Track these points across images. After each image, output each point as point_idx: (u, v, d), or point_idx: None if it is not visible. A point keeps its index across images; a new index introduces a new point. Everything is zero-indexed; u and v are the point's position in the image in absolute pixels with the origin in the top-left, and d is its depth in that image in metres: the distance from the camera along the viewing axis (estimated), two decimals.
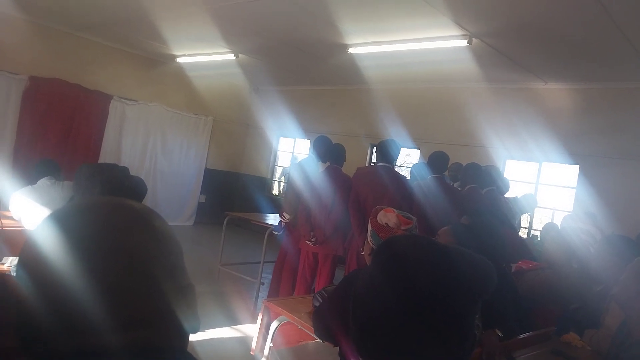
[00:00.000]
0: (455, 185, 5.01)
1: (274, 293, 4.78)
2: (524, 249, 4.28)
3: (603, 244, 2.97)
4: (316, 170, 4.86)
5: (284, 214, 4.88)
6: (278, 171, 10.44)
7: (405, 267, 0.87)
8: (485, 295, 0.88)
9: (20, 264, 0.64)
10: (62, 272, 0.60)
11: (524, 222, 6.73)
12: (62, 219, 0.65)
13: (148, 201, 7.68)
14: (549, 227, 5.02)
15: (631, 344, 1.79)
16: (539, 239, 5.76)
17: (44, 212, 3.43)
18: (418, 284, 0.84)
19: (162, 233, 0.68)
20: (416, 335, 0.83)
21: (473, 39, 5.12)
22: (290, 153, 10.05)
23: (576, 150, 6.14)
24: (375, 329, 0.87)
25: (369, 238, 2.20)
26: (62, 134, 7.83)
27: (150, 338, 0.62)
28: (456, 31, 5.03)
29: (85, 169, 1.75)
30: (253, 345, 2.44)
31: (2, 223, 3.21)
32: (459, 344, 0.86)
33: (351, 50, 6.15)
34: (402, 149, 4.94)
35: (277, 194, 10.12)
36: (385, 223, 2.14)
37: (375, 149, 4.93)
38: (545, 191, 6.94)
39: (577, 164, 6.26)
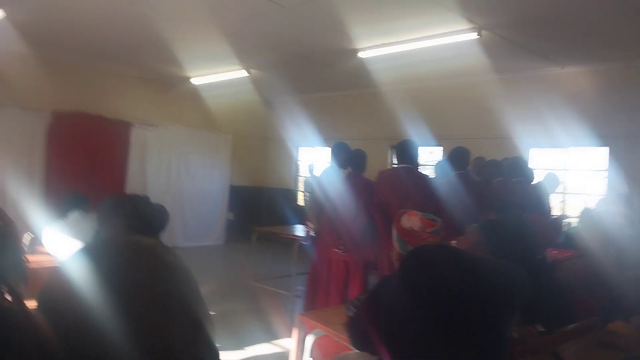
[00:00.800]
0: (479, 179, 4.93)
1: (309, 305, 4.75)
2: (555, 230, 4.18)
3: None
4: (337, 178, 4.85)
5: (308, 223, 4.87)
6: (300, 181, 10.47)
7: (432, 274, 0.87)
8: (517, 305, 0.87)
9: (44, 299, 0.65)
10: (89, 308, 0.60)
11: (558, 210, 6.58)
12: (91, 254, 0.67)
13: (177, 224, 7.81)
14: (584, 213, 4.90)
15: None
16: (572, 225, 5.63)
17: (78, 245, 3.51)
18: (445, 291, 0.84)
19: (175, 268, 0.69)
20: (442, 343, 0.82)
21: (482, 31, 5.06)
22: (309, 163, 10.06)
23: (603, 132, 5.98)
24: (403, 337, 0.86)
25: (394, 243, 2.19)
26: (88, 166, 8.03)
27: None
28: (465, 25, 4.99)
29: (107, 202, 1.79)
30: None
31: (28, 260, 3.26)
32: (488, 354, 0.85)
33: (361, 54, 6.15)
34: (422, 147, 4.89)
35: (302, 204, 10.13)
36: (410, 227, 2.12)
37: (394, 150, 4.89)
38: (575, 176, 6.77)
39: (606, 146, 6.10)
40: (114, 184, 8.27)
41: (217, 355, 0.72)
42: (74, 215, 3.73)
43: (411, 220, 2.15)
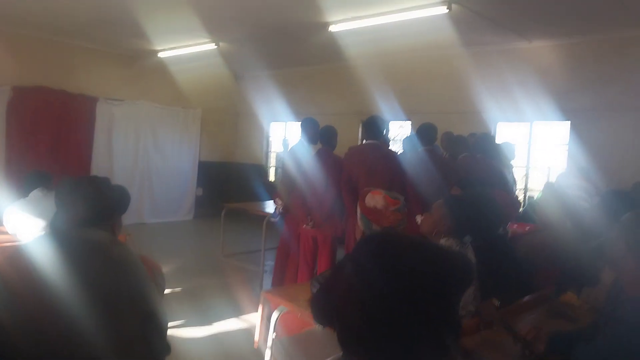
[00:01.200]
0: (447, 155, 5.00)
1: (278, 281, 4.80)
2: (514, 206, 4.30)
3: (598, 201, 2.98)
4: (307, 153, 4.84)
5: (277, 199, 4.87)
6: (272, 157, 10.42)
7: (396, 249, 0.90)
8: (464, 289, 0.91)
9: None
10: (42, 297, 0.60)
11: (521, 184, 6.74)
12: (56, 243, 0.67)
13: (145, 200, 7.72)
14: (546, 186, 5.04)
15: (624, 300, 1.81)
16: (535, 198, 5.78)
17: (39, 223, 3.44)
18: (407, 264, 0.87)
19: (124, 263, 0.69)
20: (404, 315, 0.85)
21: (452, 5, 5.05)
22: (283, 137, 10.02)
23: (566, 106, 6.11)
24: (363, 310, 0.88)
25: (359, 222, 2.21)
26: (51, 142, 7.80)
27: None
28: None
29: (65, 184, 1.75)
30: (256, 338, 2.47)
31: None
32: (444, 326, 0.88)
33: (332, 28, 6.09)
34: (392, 122, 4.90)
35: (273, 179, 10.11)
36: (374, 205, 2.14)
37: (362, 125, 4.91)
38: (539, 151, 6.94)
39: (568, 120, 6.24)
40: (79, 160, 8.09)
41: (169, 348, 0.73)
42: (36, 194, 3.64)
43: (375, 198, 2.18)
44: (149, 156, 9.15)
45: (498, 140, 5.64)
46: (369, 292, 0.88)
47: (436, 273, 0.87)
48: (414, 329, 0.85)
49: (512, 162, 5.54)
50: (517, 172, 6.05)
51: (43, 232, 3.37)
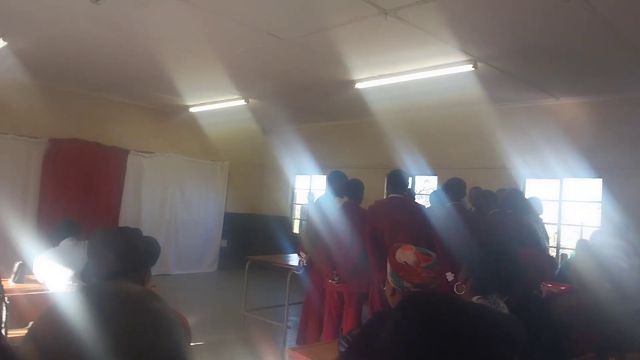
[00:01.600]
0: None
1: (302, 337, 4.68)
2: (551, 264, 4.15)
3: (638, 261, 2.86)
4: (333, 206, 4.84)
5: (301, 252, 4.84)
6: (297, 209, 10.44)
7: (429, 324, 0.85)
8: (515, 355, 0.85)
9: (34, 334, 0.64)
10: (77, 352, 0.59)
11: (553, 242, 6.56)
12: (80, 301, 0.66)
13: (171, 251, 7.76)
14: (579, 244, 4.88)
15: None
16: (569, 257, 5.59)
17: (67, 273, 3.47)
18: (442, 344, 0.81)
19: (162, 318, 0.68)
20: None
21: (478, 63, 5.13)
22: (308, 190, 10.07)
23: (597, 163, 6.01)
24: None
25: (389, 278, 2.16)
26: (82, 192, 8.00)
27: None
28: (461, 57, 5.06)
29: (98, 234, 1.77)
30: None
31: (3, 294, 3.17)
32: None
33: (358, 85, 6.22)
34: (417, 176, 4.89)
35: (298, 232, 10.08)
36: (404, 261, 2.09)
37: (386, 180, 4.90)
38: (570, 207, 6.78)
39: (600, 177, 6.12)
40: (108, 211, 8.24)
41: None
42: (66, 243, 3.69)
43: (405, 254, 2.13)
44: (176, 207, 9.29)
45: (526, 196, 5.56)
46: (411, 356, 0.84)
47: (487, 337, 0.82)
48: None
49: (541, 217, 5.42)
50: (549, 229, 5.89)
51: (72, 282, 3.40)
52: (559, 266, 5.93)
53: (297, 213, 10.42)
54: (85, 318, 0.62)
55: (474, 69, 5.16)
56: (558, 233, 6.67)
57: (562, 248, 6.68)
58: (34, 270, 3.62)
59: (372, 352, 0.93)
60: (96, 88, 7.75)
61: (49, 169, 7.62)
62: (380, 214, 4.29)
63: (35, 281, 3.67)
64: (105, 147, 8.27)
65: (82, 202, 7.95)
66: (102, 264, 1.66)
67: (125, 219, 8.30)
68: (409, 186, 4.51)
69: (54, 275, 3.48)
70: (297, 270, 5.11)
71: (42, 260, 3.57)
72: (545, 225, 5.55)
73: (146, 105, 8.83)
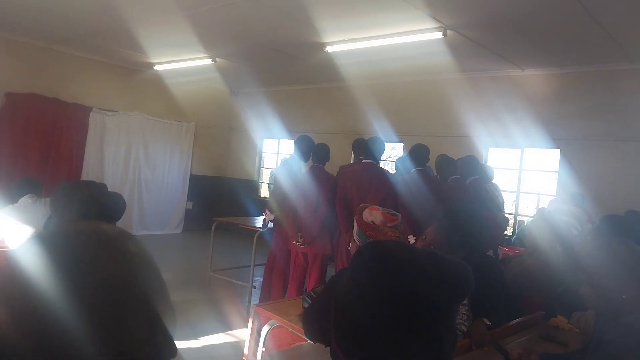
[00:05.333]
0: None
1: (266, 296, 4.77)
2: (500, 226, 4.33)
3: (591, 227, 3.00)
4: (300, 169, 4.87)
5: (267, 211, 4.87)
6: (264, 173, 10.42)
7: (390, 267, 0.87)
8: (464, 298, 0.89)
9: None
10: (47, 299, 0.58)
11: (511, 209, 6.80)
12: (47, 243, 0.64)
13: (134, 212, 7.66)
14: (538, 212, 5.08)
15: (614, 323, 1.82)
16: (526, 224, 5.83)
17: (27, 230, 3.40)
18: (403, 283, 0.84)
19: (137, 259, 0.66)
20: (398, 335, 0.83)
21: (448, 31, 5.15)
22: (276, 154, 10.05)
23: (557, 134, 6.21)
24: (357, 328, 0.87)
25: (355, 237, 2.22)
26: (42, 149, 7.74)
27: None
28: (431, 24, 5.06)
29: (62, 187, 1.74)
30: (245, 351, 2.44)
31: None
32: (440, 344, 0.87)
33: (328, 49, 6.16)
34: (386, 144, 4.94)
35: (265, 195, 10.09)
36: (372, 221, 2.15)
37: (354, 145, 4.94)
38: (529, 177, 7.02)
39: (558, 148, 6.34)
40: (70, 169, 8.03)
41: (175, 350, 0.70)
42: (26, 200, 3.60)
43: (373, 214, 2.19)
44: (140, 168, 9.11)
45: (494, 167, 5.73)
46: (365, 301, 0.87)
47: (435, 280, 0.86)
48: (411, 338, 0.85)
49: (495, 182, 5.60)
50: (507, 197, 6.10)
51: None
52: (516, 233, 6.19)
53: (265, 177, 10.40)
54: (54, 264, 0.60)
55: (443, 36, 5.18)
56: (516, 201, 6.92)
57: (519, 215, 6.94)
58: None
59: (333, 300, 0.97)
60: (56, 41, 7.39)
61: (5, 124, 7.31)
62: (350, 178, 4.36)
63: None
64: (66, 103, 7.97)
65: (42, 159, 7.72)
66: (65, 216, 1.63)
67: (88, 179, 8.09)
68: (381, 153, 4.58)
69: (14, 232, 3.41)
70: (262, 228, 5.17)
71: (1, 218, 3.49)
72: (503, 193, 5.74)
73: (109, 62, 8.51)
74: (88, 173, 8.25)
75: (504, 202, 5.23)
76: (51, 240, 0.64)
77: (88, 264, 0.62)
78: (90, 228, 0.68)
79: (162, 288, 0.69)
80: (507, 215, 5.33)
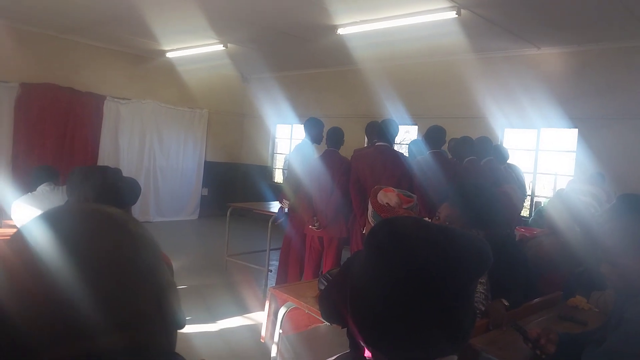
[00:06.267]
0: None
1: (282, 280, 4.81)
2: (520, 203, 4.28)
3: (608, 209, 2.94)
4: (312, 153, 4.86)
5: (284, 200, 4.89)
6: (278, 158, 10.43)
7: (405, 245, 0.86)
8: (482, 273, 0.87)
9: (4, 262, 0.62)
10: (51, 275, 0.59)
11: (528, 190, 6.72)
12: (52, 220, 0.65)
13: (151, 199, 7.73)
14: (557, 193, 5.01)
15: (635, 303, 1.79)
16: (542, 205, 5.75)
17: None
18: (418, 262, 0.83)
19: (138, 236, 0.68)
20: (415, 315, 0.82)
21: (462, 10, 5.06)
22: (289, 139, 10.04)
23: (574, 113, 6.09)
24: (374, 309, 0.86)
25: (369, 219, 2.21)
26: (58, 138, 7.83)
27: (137, 339, 0.62)
28: (444, 3, 4.97)
29: (77, 173, 1.75)
30: (263, 333, 2.46)
31: None
32: (459, 323, 0.85)
33: (340, 31, 6.10)
34: (400, 127, 4.89)
35: (279, 181, 10.11)
36: (387, 203, 2.14)
37: (367, 128, 4.90)
38: (546, 157, 6.92)
39: (576, 127, 6.22)
40: (85, 157, 8.11)
41: (183, 321, 0.72)
42: (43, 188, 3.65)
43: (388, 196, 2.17)
44: (154, 155, 9.18)
45: (509, 148, 5.66)
46: (380, 281, 0.86)
47: (450, 256, 0.84)
48: (428, 317, 0.83)
49: (514, 164, 5.53)
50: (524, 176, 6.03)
51: None
52: (533, 214, 6.12)
53: (279, 162, 10.41)
54: (59, 239, 0.61)
55: (457, 15, 5.09)
56: (533, 182, 6.83)
57: (536, 196, 6.86)
58: (12, 216, 3.58)
59: (348, 282, 0.96)
60: (68, 30, 7.43)
61: (21, 114, 7.39)
62: (365, 162, 4.33)
63: (14, 226, 3.64)
64: (80, 92, 8.03)
65: (58, 148, 7.81)
66: (81, 199, 1.65)
67: None
68: (395, 136, 4.54)
69: None
70: (279, 217, 5.17)
71: (20, 206, 3.54)
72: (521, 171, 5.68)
73: (121, 50, 8.54)
74: (104, 161, 8.33)
75: (524, 179, 5.18)
76: (55, 217, 0.65)
77: (91, 238, 0.63)
78: (93, 207, 0.70)
79: (163, 266, 0.70)
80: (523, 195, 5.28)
